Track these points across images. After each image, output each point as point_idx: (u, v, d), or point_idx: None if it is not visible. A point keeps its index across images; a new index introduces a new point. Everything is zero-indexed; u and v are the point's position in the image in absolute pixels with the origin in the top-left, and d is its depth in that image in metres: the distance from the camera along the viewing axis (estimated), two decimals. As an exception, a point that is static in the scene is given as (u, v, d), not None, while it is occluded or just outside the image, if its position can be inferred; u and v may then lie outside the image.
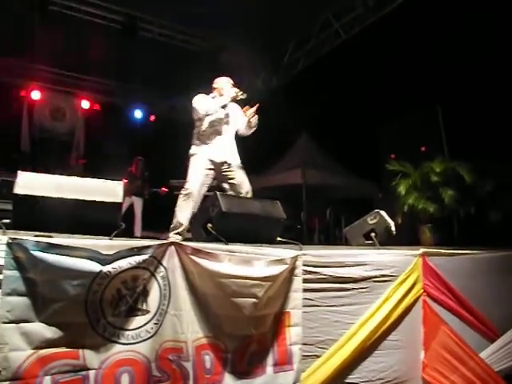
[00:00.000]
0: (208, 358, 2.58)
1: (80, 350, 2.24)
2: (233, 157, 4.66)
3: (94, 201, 2.58)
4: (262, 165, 10.20)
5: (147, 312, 2.42)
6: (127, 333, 2.35)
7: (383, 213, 4.35)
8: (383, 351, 3.58)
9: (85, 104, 10.62)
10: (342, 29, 8.06)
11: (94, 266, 2.26)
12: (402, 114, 7.99)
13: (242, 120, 4.81)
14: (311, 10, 7.90)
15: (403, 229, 5.50)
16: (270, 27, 8.05)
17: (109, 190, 2.69)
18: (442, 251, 4.46)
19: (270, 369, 2.83)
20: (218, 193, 3.02)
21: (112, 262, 2.32)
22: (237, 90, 4.69)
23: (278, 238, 3.42)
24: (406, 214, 5.70)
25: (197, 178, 4.44)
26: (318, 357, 3.14)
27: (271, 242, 3.28)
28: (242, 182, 4.54)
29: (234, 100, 4.69)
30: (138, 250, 2.42)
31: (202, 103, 4.59)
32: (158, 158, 9.44)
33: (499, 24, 6.40)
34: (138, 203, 8.05)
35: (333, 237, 9.36)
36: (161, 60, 8.82)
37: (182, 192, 4.46)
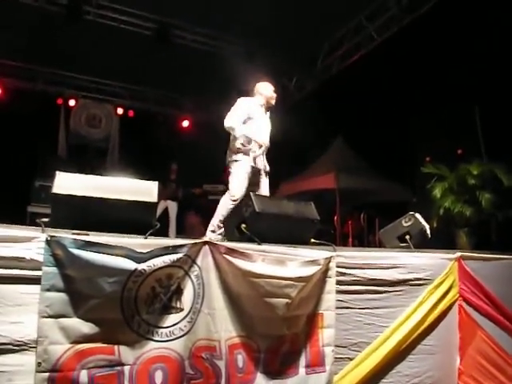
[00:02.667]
0: (240, 358, 2.59)
1: (115, 346, 2.29)
2: (266, 164, 4.78)
3: (130, 200, 2.63)
4: (297, 169, 10.22)
5: (181, 310, 2.45)
6: (161, 330, 2.39)
7: (418, 215, 4.27)
8: (417, 356, 3.51)
9: (119, 111, 10.88)
10: (376, 31, 7.99)
11: (130, 264, 2.31)
12: (438, 116, 7.85)
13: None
14: (344, 13, 7.86)
15: (439, 233, 5.39)
16: (302, 31, 8.06)
17: (144, 190, 2.74)
18: (479, 255, 4.34)
19: (302, 370, 2.82)
20: (251, 193, 3.04)
21: (147, 261, 2.36)
22: (271, 95, 4.77)
23: (312, 240, 3.41)
24: (441, 218, 5.59)
25: (243, 186, 4.48)
26: (350, 359, 3.10)
27: (304, 242, 3.27)
28: (265, 188, 4.66)
29: (270, 107, 4.79)
30: (173, 249, 2.46)
31: (228, 116, 4.58)
32: (191, 163, 9.55)
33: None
34: (173, 207, 8.17)
35: (367, 241, 9.25)
36: (194, 66, 8.93)
37: (230, 198, 4.47)
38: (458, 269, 3.93)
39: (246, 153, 4.61)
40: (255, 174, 4.66)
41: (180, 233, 7.95)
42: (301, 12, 7.54)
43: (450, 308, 3.82)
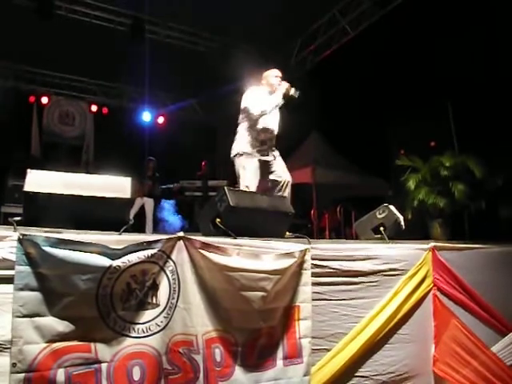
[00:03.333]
0: (218, 351, 2.59)
1: (92, 344, 2.26)
2: (276, 153, 4.77)
3: (103, 197, 2.61)
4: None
5: (157, 306, 2.44)
6: (137, 326, 2.38)
7: (392, 207, 4.34)
8: (393, 345, 3.57)
9: (93, 108, 10.75)
10: (349, 25, 8.05)
11: (104, 261, 2.29)
12: (411, 110, 7.96)
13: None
14: (317, 7, 7.90)
15: (413, 224, 5.46)
16: (276, 26, 8.08)
17: (117, 186, 2.72)
18: (452, 245, 4.44)
19: (279, 362, 2.83)
20: (225, 188, 3.03)
21: (121, 257, 2.34)
22: (287, 85, 4.63)
23: (287, 233, 3.43)
24: (416, 210, 5.66)
25: (256, 177, 4.50)
26: (327, 350, 3.13)
27: (279, 236, 3.29)
28: (282, 172, 4.69)
29: (286, 96, 4.64)
30: (147, 245, 2.45)
31: (256, 104, 4.53)
32: (167, 159, 9.51)
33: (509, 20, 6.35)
34: (150, 204, 8.12)
35: (343, 234, 9.35)
36: (168, 61, 8.87)
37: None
38: (431, 259, 4.00)
39: (256, 144, 4.60)
40: (266, 165, 4.66)
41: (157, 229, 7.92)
42: (274, 8, 7.55)
43: (424, 297, 3.89)
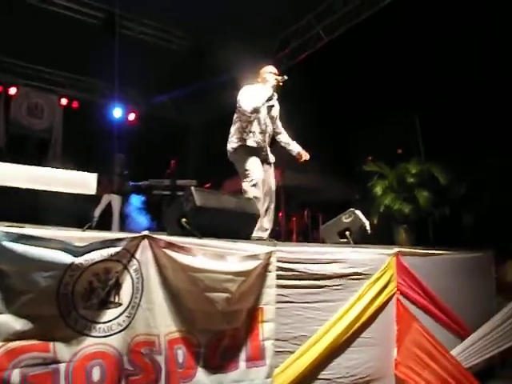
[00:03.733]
0: (181, 353, 2.57)
1: (50, 343, 2.20)
2: (270, 155, 4.68)
3: (67, 192, 2.56)
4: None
5: (119, 305, 2.40)
6: (99, 326, 2.33)
7: (358, 212, 4.40)
8: (357, 348, 3.62)
9: (63, 101, 10.52)
10: (324, 31, 8.14)
11: (66, 258, 2.23)
12: (380, 117, 8.09)
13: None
14: (293, 12, 7.95)
15: (379, 229, 5.57)
16: (251, 28, 8.08)
17: (82, 182, 2.67)
18: (416, 251, 4.55)
19: (242, 364, 2.83)
20: (192, 187, 3.01)
21: (84, 254, 2.29)
22: (277, 77, 4.53)
23: (253, 234, 3.44)
24: (382, 215, 5.77)
25: (260, 169, 4.41)
26: (291, 353, 3.15)
27: (245, 237, 3.29)
28: (269, 178, 4.59)
29: (278, 87, 4.53)
30: (111, 243, 2.40)
31: (247, 101, 4.39)
32: (137, 156, 9.38)
33: (474, 35, 6.56)
34: (117, 201, 7.99)
35: (311, 238, 9.41)
36: (142, 58, 8.77)
37: (248, 184, 4.37)
38: (395, 264, 4.08)
39: (255, 139, 4.49)
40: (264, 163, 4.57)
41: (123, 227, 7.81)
42: (250, 12, 7.56)
43: (388, 301, 3.97)
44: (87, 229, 2.51)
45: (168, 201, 8.07)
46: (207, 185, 8.34)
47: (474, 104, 6.65)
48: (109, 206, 7.79)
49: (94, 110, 10.64)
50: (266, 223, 4.48)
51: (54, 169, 2.72)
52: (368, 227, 4.39)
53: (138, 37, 8.58)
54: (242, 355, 2.85)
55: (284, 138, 4.92)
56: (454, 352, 4.26)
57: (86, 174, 2.72)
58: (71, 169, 2.84)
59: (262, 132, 4.57)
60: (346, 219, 4.31)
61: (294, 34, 8.71)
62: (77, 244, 2.30)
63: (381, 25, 7.23)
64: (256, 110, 4.39)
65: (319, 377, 3.31)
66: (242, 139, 4.49)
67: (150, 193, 8.63)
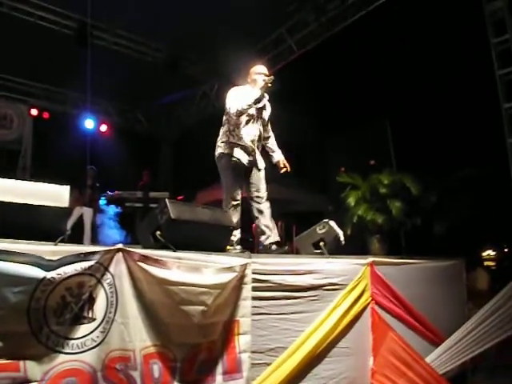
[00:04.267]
0: (156, 367, 2.52)
1: (21, 362, 2.12)
2: (259, 159, 4.55)
3: (39, 205, 2.50)
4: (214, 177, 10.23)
5: (93, 320, 2.34)
6: (72, 342, 2.26)
7: (332, 223, 4.43)
8: (333, 358, 3.63)
9: (33, 112, 10.32)
10: (296, 44, 8.24)
11: (37, 272, 2.17)
12: (352, 128, 8.22)
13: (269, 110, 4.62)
14: (266, 25, 8.04)
15: (353, 240, 5.63)
16: (224, 41, 8.12)
17: (55, 195, 2.61)
18: (390, 260, 4.61)
19: (219, 377, 2.79)
20: (167, 200, 2.98)
21: (56, 268, 2.22)
22: (265, 78, 4.34)
23: (228, 247, 3.43)
24: (355, 225, 5.83)
25: (234, 184, 4.33)
26: (268, 364, 3.14)
27: (220, 249, 3.27)
28: (260, 184, 4.52)
29: (267, 88, 4.29)
30: (84, 256, 2.35)
31: (233, 102, 4.24)
32: (109, 168, 9.27)
33: (444, 45, 6.75)
34: (88, 214, 7.86)
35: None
36: (115, 69, 8.70)
37: (229, 203, 4.27)
38: (370, 273, 4.12)
39: (235, 144, 4.36)
40: (247, 172, 4.46)
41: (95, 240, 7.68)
42: (223, 23, 7.61)
43: (363, 311, 4.00)
44: (60, 242, 2.45)
45: (141, 213, 8.00)
46: (180, 197, 8.29)
47: (444, 115, 6.82)
48: (80, 218, 7.66)
49: (66, 121, 10.47)
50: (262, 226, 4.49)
51: (25, 181, 2.63)
52: (342, 238, 4.43)
53: (112, 47, 8.49)
54: (219, 368, 2.81)
55: (271, 143, 4.77)
56: (428, 359, 4.31)
57: (58, 186, 2.65)
58: (41, 181, 2.77)
59: (250, 136, 4.43)
60: (320, 230, 4.34)
61: (267, 46, 8.78)
62: (49, 258, 2.24)
63: (353, 37, 7.38)
64: (241, 112, 4.25)
65: (296, 388, 3.30)
66: (229, 143, 4.37)
67: (122, 205, 8.54)
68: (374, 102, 7.62)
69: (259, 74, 4.48)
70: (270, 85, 4.26)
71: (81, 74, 9.00)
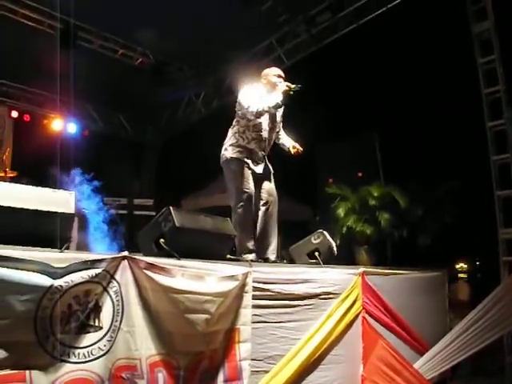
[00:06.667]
0: (161, 376, 2.50)
1: (27, 372, 2.06)
2: (268, 164, 4.42)
3: (44, 211, 2.46)
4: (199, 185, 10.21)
5: (100, 328, 2.31)
6: (78, 351, 2.22)
7: (326, 233, 4.49)
8: (326, 366, 3.68)
9: (14, 114, 10.11)
10: (285, 55, 8.32)
11: (45, 280, 2.13)
12: (340, 140, 8.32)
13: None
14: (255, 34, 8.09)
15: (340, 250, 5.71)
16: (212, 48, 8.15)
17: (60, 200, 2.57)
18: (379, 270, 4.70)
19: (221, 385, 2.80)
20: (171, 208, 2.97)
21: (64, 276, 2.19)
22: (288, 83, 4.12)
23: (228, 255, 3.44)
24: (343, 236, 5.92)
25: (249, 183, 4.13)
26: (266, 372, 3.16)
27: (221, 258, 3.28)
28: (271, 189, 4.39)
29: (287, 94, 4.07)
30: (91, 264, 2.31)
31: (251, 102, 4.03)
32: (91, 173, 9.13)
33: (433, 61, 6.94)
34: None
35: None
36: (100, 73, 8.61)
37: (237, 207, 4.12)
38: (361, 283, 4.20)
39: (247, 153, 4.20)
40: (257, 178, 4.28)
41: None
42: (212, 29, 7.63)
43: (354, 320, 4.07)
44: (65, 249, 2.42)
45: (126, 220, 7.92)
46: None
47: (431, 130, 7.00)
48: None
49: (47, 124, 10.28)
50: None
51: (31, 186, 2.59)
52: (335, 248, 4.48)
53: (98, 50, 8.41)
54: (220, 376, 2.82)
55: (282, 135, 4.65)
56: (416, 365, 4.44)
57: (64, 192, 2.62)
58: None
59: (261, 139, 4.29)
60: (314, 240, 4.39)
61: (256, 55, 8.83)
62: (55, 265, 2.21)
63: (344, 49, 7.51)
64: (261, 114, 4.08)
65: (292, 395, 3.32)
66: (237, 146, 4.21)
67: (107, 211, 8.42)
68: (362, 115, 7.75)
69: (278, 76, 4.32)
70: (292, 93, 4.07)
71: (64, 78, 8.93)
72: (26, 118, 10.23)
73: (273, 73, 4.37)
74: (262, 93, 4.22)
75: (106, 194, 8.72)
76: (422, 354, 4.74)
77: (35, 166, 9.04)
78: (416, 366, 4.46)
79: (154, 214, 8.38)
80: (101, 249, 6.92)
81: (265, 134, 4.31)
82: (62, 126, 10.47)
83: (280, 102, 4.07)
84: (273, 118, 4.35)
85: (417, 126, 7.19)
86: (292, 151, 4.44)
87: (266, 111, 4.09)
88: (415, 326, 4.86)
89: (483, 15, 5.58)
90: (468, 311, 5.09)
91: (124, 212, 8.38)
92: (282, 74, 4.38)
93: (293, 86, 4.08)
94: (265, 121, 4.29)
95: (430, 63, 7.06)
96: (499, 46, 5.45)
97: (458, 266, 9.76)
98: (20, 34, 7.65)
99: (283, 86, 4.11)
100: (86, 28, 8.14)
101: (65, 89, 9.37)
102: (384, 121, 7.55)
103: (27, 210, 2.43)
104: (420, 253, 6.51)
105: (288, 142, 4.55)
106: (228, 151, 4.25)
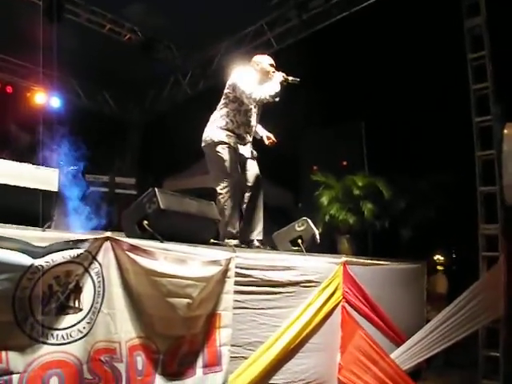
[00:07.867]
0: (140, 359, 2.47)
1: (3, 352, 2.01)
2: (253, 150, 4.45)
3: (27, 188, 2.39)
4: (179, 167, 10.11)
5: (80, 310, 2.26)
6: (57, 332, 2.17)
7: (310, 221, 4.49)
8: (305, 353, 3.71)
9: (-5, 84, 9.84)
10: (275, 39, 8.23)
11: (25, 259, 2.06)
12: (326, 128, 8.29)
13: None
14: (246, 16, 7.97)
15: (322, 238, 5.73)
16: (202, 27, 8.01)
17: (43, 178, 2.50)
18: (361, 261, 4.73)
19: (199, 370, 2.79)
20: (156, 189, 2.92)
21: (44, 256, 2.12)
22: (284, 75, 4.13)
23: (211, 240, 3.41)
24: (326, 224, 5.93)
25: (235, 168, 4.12)
26: (245, 358, 3.16)
27: (205, 242, 3.25)
28: (256, 173, 4.38)
29: (281, 85, 4.08)
30: (73, 244, 2.26)
31: (255, 90, 4.00)
32: (74, 149, 8.96)
33: (422, 52, 6.94)
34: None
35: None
36: (87, 47, 8.40)
37: (221, 189, 4.08)
38: (342, 272, 4.22)
39: (233, 136, 4.18)
40: (243, 162, 4.32)
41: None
42: (202, 10, 7.49)
43: (334, 309, 4.11)
44: (47, 228, 2.36)
45: (107, 198, 7.80)
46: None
47: (418, 123, 7.02)
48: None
49: (30, 97, 10.03)
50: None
51: (10, 161, 2.50)
52: (318, 236, 4.49)
53: (85, 24, 8.19)
54: (200, 361, 2.81)
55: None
56: (393, 355, 4.51)
57: (47, 169, 2.54)
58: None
59: (249, 125, 4.31)
60: (298, 227, 4.39)
61: (245, 37, 8.72)
62: (36, 244, 2.15)
63: (332, 37, 7.45)
64: (261, 102, 4.11)
65: (271, 381, 3.35)
66: (226, 130, 4.18)
67: (88, 188, 8.29)
68: (350, 104, 7.73)
69: (271, 65, 4.31)
70: (285, 84, 4.12)
71: (49, 50, 8.69)
72: (9, 89, 9.95)
73: (267, 61, 4.36)
74: (257, 80, 4.23)
75: (87, 171, 8.58)
76: (398, 345, 4.82)
77: (17, 140, 8.84)
78: (393, 356, 4.54)
79: (135, 193, 8.30)
80: (80, 227, 6.80)
81: (253, 119, 4.35)
82: (46, 99, 10.21)
83: (278, 92, 4.06)
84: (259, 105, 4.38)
85: (404, 119, 7.21)
86: (266, 142, 4.52)
87: (268, 100, 4.07)
88: (393, 316, 4.93)
89: (476, 10, 5.56)
90: (444, 303, 5.19)
91: (105, 190, 8.24)
92: (273, 63, 4.37)
93: (290, 78, 4.12)
94: (254, 107, 4.31)
95: (420, 55, 7.06)
96: (490, 43, 5.45)
97: (435, 258, 9.92)
98: (5, 1, 7.39)
99: (280, 76, 4.12)
100: (73, 0, 7.89)
101: (49, 62, 9.21)
102: (371, 111, 7.55)
103: (7, 185, 2.36)
104: (401, 244, 6.59)
105: (261, 131, 4.61)
106: (215, 134, 4.20)
